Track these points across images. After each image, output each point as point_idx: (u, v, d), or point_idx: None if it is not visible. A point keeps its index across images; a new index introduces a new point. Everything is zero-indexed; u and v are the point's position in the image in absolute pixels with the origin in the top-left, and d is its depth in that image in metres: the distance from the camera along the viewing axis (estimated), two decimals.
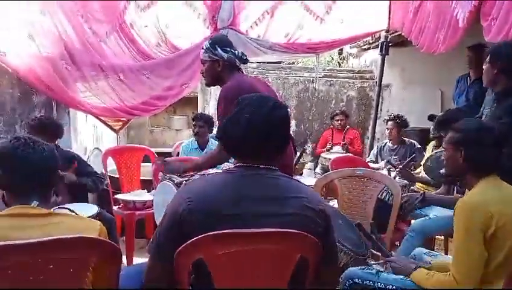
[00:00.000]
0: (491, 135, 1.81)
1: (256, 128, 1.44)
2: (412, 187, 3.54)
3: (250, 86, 2.38)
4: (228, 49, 2.49)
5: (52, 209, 1.56)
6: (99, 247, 1.35)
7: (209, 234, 1.33)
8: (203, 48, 2.53)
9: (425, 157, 3.67)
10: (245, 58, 2.55)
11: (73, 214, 1.76)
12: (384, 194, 2.90)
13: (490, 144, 1.80)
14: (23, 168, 1.44)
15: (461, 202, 1.77)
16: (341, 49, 7.36)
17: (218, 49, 2.47)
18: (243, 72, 2.59)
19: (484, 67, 2.46)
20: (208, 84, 2.72)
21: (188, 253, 1.36)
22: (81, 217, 1.59)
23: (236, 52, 2.51)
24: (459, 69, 4.74)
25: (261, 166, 1.48)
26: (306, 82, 6.31)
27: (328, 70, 6.75)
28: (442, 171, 2.54)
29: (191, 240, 1.34)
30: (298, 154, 4.39)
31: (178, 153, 4.53)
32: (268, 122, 1.45)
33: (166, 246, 1.41)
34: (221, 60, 2.47)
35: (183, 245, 1.35)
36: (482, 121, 1.94)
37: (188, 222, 1.39)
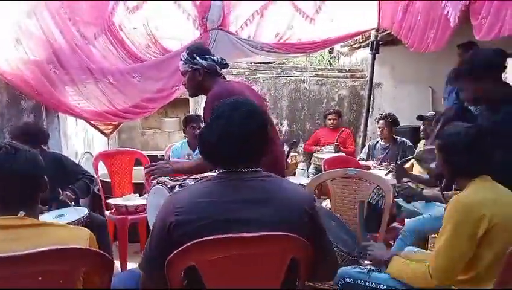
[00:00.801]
0: (466, 139, 1.83)
1: (232, 134, 1.43)
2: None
3: (234, 91, 2.37)
4: (207, 56, 2.48)
5: (40, 217, 1.53)
6: (88, 257, 1.33)
7: (198, 240, 1.33)
8: (181, 60, 2.52)
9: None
10: (225, 63, 2.54)
11: (61, 223, 1.73)
12: (374, 197, 2.90)
13: (465, 148, 1.82)
14: (6, 177, 1.40)
15: (455, 200, 1.77)
16: (332, 48, 7.38)
17: (197, 57, 2.46)
18: (224, 78, 2.58)
19: (461, 92, 2.39)
20: (192, 95, 2.71)
21: (179, 260, 1.36)
22: (69, 227, 1.56)
23: (215, 58, 2.51)
24: (450, 67, 4.71)
25: (244, 170, 1.48)
26: (297, 82, 6.31)
27: (319, 69, 6.76)
28: (433, 165, 2.55)
29: (181, 248, 1.34)
30: (287, 147, 4.39)
31: (169, 155, 4.50)
32: (243, 128, 1.44)
33: (157, 257, 1.42)
34: (202, 68, 2.46)
35: (174, 253, 1.35)
36: (461, 125, 1.94)
37: (177, 232, 1.39)
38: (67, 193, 3.03)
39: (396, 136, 4.80)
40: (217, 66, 2.50)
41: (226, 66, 2.56)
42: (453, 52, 4.41)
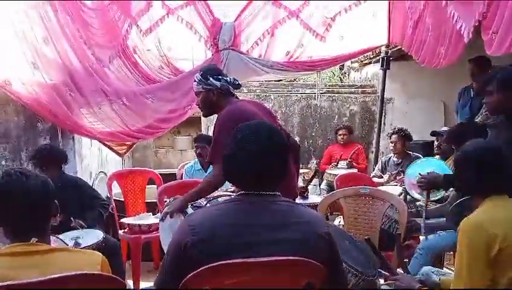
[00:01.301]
0: (477, 155, 1.81)
1: (256, 158, 1.45)
2: (418, 203, 3.51)
3: (247, 110, 2.42)
4: (220, 77, 2.53)
5: (55, 238, 1.54)
6: (101, 282, 1.34)
7: (213, 265, 1.32)
8: (195, 81, 2.56)
9: None
10: (237, 83, 2.59)
11: (72, 248, 1.74)
12: (386, 222, 2.88)
13: (476, 164, 1.79)
14: (17, 203, 1.40)
15: (465, 221, 1.75)
16: (342, 64, 7.40)
17: (211, 78, 2.50)
18: (237, 97, 2.62)
19: (491, 97, 2.35)
20: (206, 115, 2.75)
21: (194, 284, 1.35)
22: (81, 251, 1.58)
23: (228, 78, 2.55)
24: (462, 81, 4.75)
25: (264, 193, 1.48)
26: (308, 98, 6.33)
27: (329, 86, 6.78)
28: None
29: (196, 271, 1.33)
30: (310, 174, 4.37)
31: (182, 174, 4.54)
32: (267, 150, 1.46)
33: (173, 277, 1.42)
34: (215, 88, 2.50)
35: (188, 276, 1.34)
36: (477, 141, 1.93)
37: (193, 253, 1.38)
38: (79, 221, 3.09)
39: (409, 151, 4.77)
40: (230, 86, 2.54)
41: (238, 86, 2.61)
42: (465, 67, 4.39)
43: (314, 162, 6.20)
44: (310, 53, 4.72)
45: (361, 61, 6.76)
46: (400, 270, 2.29)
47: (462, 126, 3.49)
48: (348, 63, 7.24)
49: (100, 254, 1.50)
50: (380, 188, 3.78)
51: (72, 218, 3.04)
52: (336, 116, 6.36)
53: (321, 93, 6.21)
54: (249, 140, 1.47)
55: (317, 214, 1.61)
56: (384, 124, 6.04)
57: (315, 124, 6.35)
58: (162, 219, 2.52)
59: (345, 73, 7.90)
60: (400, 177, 4.40)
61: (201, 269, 1.33)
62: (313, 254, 1.41)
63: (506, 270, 1.66)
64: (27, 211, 1.41)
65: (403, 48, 4.64)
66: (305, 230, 1.45)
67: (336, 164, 5.60)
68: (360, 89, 6.58)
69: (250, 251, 1.36)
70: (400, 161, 4.72)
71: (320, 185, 5.68)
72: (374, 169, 5.16)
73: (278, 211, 1.47)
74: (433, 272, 2.32)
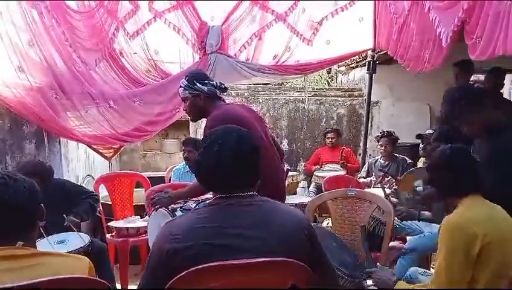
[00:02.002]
0: (448, 158, 1.89)
1: (225, 161, 1.47)
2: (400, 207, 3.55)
3: (235, 112, 2.44)
4: (206, 81, 2.54)
5: (41, 242, 1.53)
6: (88, 286, 1.33)
7: (197, 268, 1.33)
8: (181, 86, 2.57)
9: None
10: (224, 86, 2.60)
11: (60, 252, 1.73)
12: (372, 223, 2.91)
13: (448, 167, 1.87)
14: (4, 207, 1.39)
15: (445, 221, 1.79)
16: (330, 68, 7.46)
17: (197, 83, 2.51)
18: (224, 101, 2.63)
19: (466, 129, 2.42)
20: (194, 120, 2.75)
21: (177, 288, 1.35)
22: (68, 256, 1.56)
23: (214, 82, 2.56)
24: (447, 84, 4.81)
25: (240, 194, 1.49)
26: (296, 102, 6.37)
27: (317, 89, 6.84)
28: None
29: (179, 275, 1.33)
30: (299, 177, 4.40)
31: (170, 177, 4.52)
32: (236, 154, 1.48)
33: (154, 284, 1.43)
34: (202, 93, 2.51)
35: (172, 281, 1.34)
36: (445, 146, 2.01)
37: (174, 260, 1.39)
38: (72, 217, 3.04)
39: (395, 154, 4.82)
40: (217, 90, 2.55)
41: (225, 89, 2.61)
42: (450, 70, 4.46)
43: (303, 165, 6.24)
44: (297, 57, 4.75)
45: (348, 65, 6.83)
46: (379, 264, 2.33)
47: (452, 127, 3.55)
48: (335, 66, 7.31)
49: (87, 258, 1.49)
50: (367, 190, 3.82)
51: (64, 215, 3.00)
52: (324, 119, 6.41)
53: (309, 96, 6.25)
54: (216, 144, 1.49)
55: (296, 210, 1.61)
56: (371, 126, 6.11)
57: (303, 127, 6.39)
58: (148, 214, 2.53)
59: (332, 76, 7.98)
60: (387, 179, 4.47)
61: (185, 272, 1.33)
62: (296, 254, 1.43)
63: (488, 266, 1.70)
64: (14, 215, 1.40)
65: (388, 52, 4.70)
66: (287, 229, 1.46)
67: (323, 166, 5.64)
68: (347, 93, 6.65)
69: (229, 253, 1.37)
70: (386, 163, 4.78)
71: (308, 187, 5.71)
72: (361, 171, 5.21)
73: (255, 211, 1.48)
74: (420, 273, 2.36)
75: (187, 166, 4.27)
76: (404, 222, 3.20)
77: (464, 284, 1.71)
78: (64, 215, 3.01)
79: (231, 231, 1.42)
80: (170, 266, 1.39)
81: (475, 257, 1.69)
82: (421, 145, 4.24)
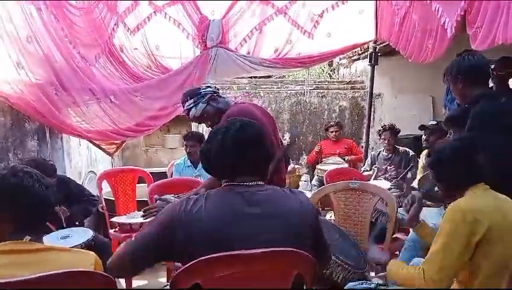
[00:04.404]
0: (449, 153, 1.88)
1: (227, 148, 1.52)
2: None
3: (247, 108, 2.51)
4: (201, 92, 2.61)
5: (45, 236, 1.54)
6: (93, 280, 1.33)
7: (203, 258, 1.32)
8: (191, 107, 2.60)
9: (418, 173, 3.67)
10: (214, 86, 2.72)
11: (66, 247, 1.74)
12: (374, 214, 2.91)
13: (451, 162, 1.86)
14: (25, 203, 1.42)
15: (454, 204, 1.79)
16: (331, 61, 7.42)
17: (200, 93, 2.60)
18: (224, 98, 2.70)
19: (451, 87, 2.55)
20: (212, 126, 2.75)
21: (184, 279, 1.35)
22: (75, 251, 1.57)
23: (207, 88, 2.65)
24: None
25: (248, 183, 1.52)
26: (298, 95, 6.34)
27: (319, 82, 6.80)
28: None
29: (186, 266, 1.33)
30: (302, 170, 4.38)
31: (172, 173, 4.52)
32: (237, 141, 1.52)
33: (145, 250, 1.48)
34: (209, 93, 2.60)
35: (178, 271, 1.35)
36: (446, 141, 2.03)
37: (177, 245, 1.42)
38: (63, 208, 3.08)
39: (398, 146, 4.81)
40: (214, 92, 2.64)
41: (217, 90, 2.70)
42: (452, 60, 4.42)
43: (305, 159, 6.23)
44: (298, 50, 4.72)
45: (350, 58, 6.79)
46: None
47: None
48: (336, 59, 7.26)
49: (93, 253, 1.50)
50: (370, 183, 3.81)
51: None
52: (326, 112, 6.39)
53: (311, 89, 6.23)
54: (220, 132, 1.55)
55: (307, 200, 1.61)
56: (373, 119, 6.08)
57: (305, 121, 6.37)
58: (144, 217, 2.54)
59: (334, 69, 7.94)
60: (391, 170, 4.47)
61: (190, 263, 1.33)
62: (301, 243, 1.44)
63: (490, 256, 1.70)
64: (31, 211, 1.44)
65: (390, 44, 4.67)
66: (294, 218, 1.49)
67: (325, 159, 5.63)
68: (349, 85, 6.62)
69: (235, 243, 1.37)
70: (389, 155, 4.77)
71: (311, 181, 5.71)
72: (364, 164, 5.20)
73: (264, 199, 1.50)
74: None
75: (188, 160, 4.26)
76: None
77: (456, 267, 1.71)
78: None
79: (237, 220, 1.43)
80: (171, 249, 1.44)
81: (473, 246, 1.68)
82: (423, 137, 4.23)
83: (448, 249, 1.70)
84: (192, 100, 2.59)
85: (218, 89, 2.71)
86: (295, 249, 1.40)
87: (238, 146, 1.52)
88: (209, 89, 2.63)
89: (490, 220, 1.69)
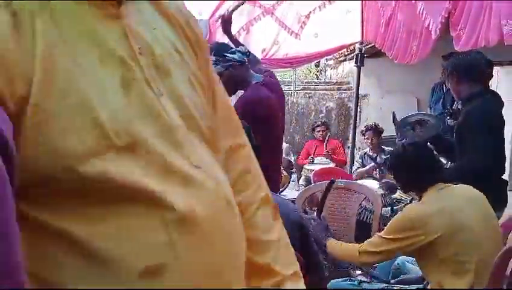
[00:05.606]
0: (402, 158, 1.98)
1: None
2: (393, 196, 3.59)
3: (267, 103, 2.52)
4: (234, 49, 2.47)
5: None
6: None
7: None
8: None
9: None
10: (247, 50, 2.55)
11: None
12: (362, 213, 2.95)
13: (403, 166, 1.96)
14: None
15: (407, 211, 1.92)
16: (318, 62, 7.48)
17: (226, 54, 2.42)
18: (249, 68, 2.55)
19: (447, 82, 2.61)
20: (231, 94, 2.60)
21: None
22: None
23: (240, 48, 2.51)
24: (434, 76, 4.85)
25: None
26: (285, 95, 6.35)
27: (306, 82, 6.84)
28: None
29: None
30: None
31: None
32: None
33: None
34: (234, 62, 2.42)
35: None
36: (399, 145, 2.13)
37: None
38: None
39: (382, 146, 4.87)
40: (244, 56, 2.47)
41: (249, 53, 2.55)
42: (437, 63, 4.47)
43: (293, 159, 6.23)
44: (285, 50, 4.76)
45: (337, 59, 6.84)
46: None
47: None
48: (323, 60, 7.31)
49: None
50: (358, 182, 3.84)
51: None
52: (313, 113, 6.42)
53: (297, 90, 6.26)
54: None
55: (287, 201, 1.63)
56: (360, 119, 6.12)
57: (292, 121, 6.39)
58: None
59: (321, 70, 7.99)
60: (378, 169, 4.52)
61: None
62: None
63: (445, 254, 1.75)
64: None
65: (376, 45, 4.72)
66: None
67: (311, 160, 5.65)
68: (336, 86, 6.66)
69: None
70: (375, 155, 4.81)
71: (298, 180, 5.72)
72: (354, 163, 5.24)
73: None
74: (408, 262, 2.39)
75: None
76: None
77: (388, 257, 1.95)
78: None
79: None
80: None
81: (418, 248, 1.78)
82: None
83: (390, 243, 1.82)
84: (215, 56, 2.37)
85: (248, 55, 2.52)
86: None
87: None
88: (236, 56, 2.41)
89: (438, 227, 1.74)
